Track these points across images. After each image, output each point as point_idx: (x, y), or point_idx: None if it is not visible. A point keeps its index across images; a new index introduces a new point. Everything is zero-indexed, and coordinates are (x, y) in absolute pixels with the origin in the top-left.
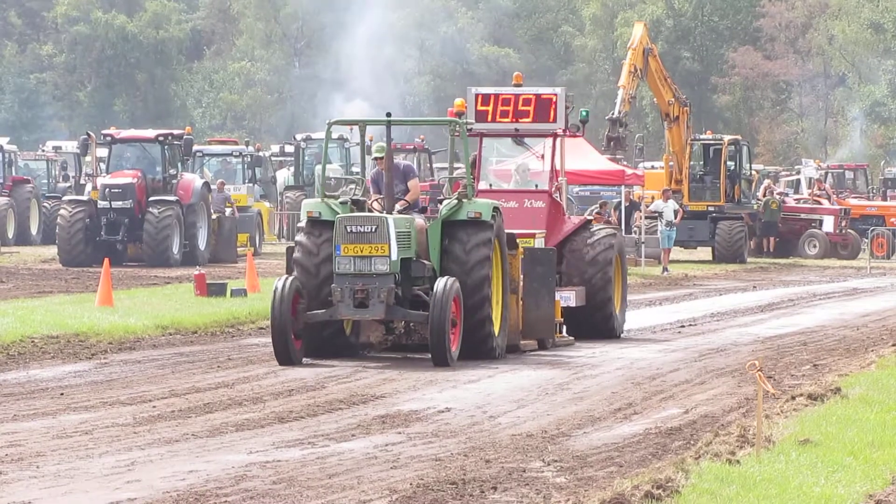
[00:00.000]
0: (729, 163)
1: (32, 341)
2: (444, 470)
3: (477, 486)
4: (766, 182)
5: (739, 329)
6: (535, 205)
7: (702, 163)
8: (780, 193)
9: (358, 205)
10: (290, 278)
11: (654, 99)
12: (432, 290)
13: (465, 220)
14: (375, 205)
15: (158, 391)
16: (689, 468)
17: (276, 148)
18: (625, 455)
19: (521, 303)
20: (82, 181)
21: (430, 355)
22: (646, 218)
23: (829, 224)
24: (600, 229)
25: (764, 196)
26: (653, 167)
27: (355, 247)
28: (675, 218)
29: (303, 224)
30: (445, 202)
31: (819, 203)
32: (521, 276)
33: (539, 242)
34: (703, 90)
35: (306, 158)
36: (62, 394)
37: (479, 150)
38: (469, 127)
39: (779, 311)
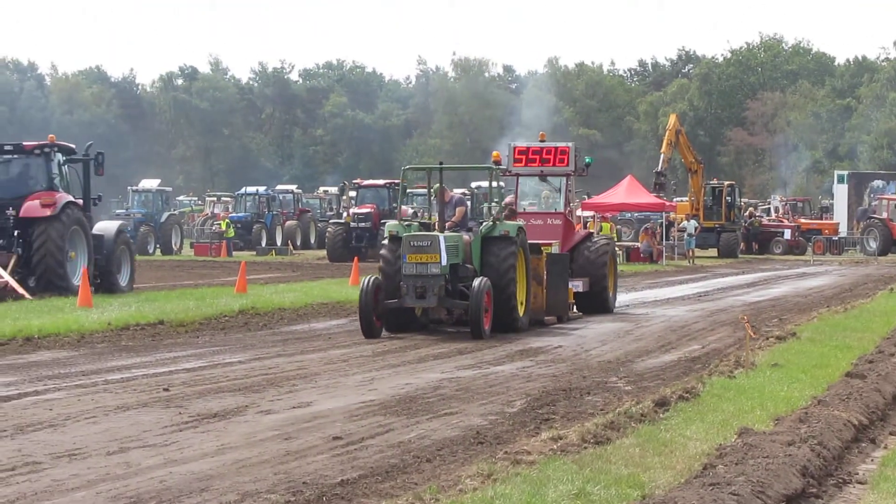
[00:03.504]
0: (727, 198)
1: (312, 306)
2: (558, 382)
3: (578, 392)
4: (750, 209)
5: (734, 297)
6: (554, 222)
7: (711, 198)
8: (758, 216)
9: (425, 226)
10: (373, 277)
11: (682, 159)
12: (472, 286)
13: (497, 236)
14: (438, 226)
15: (387, 336)
16: (705, 381)
17: (458, 191)
18: (666, 373)
19: (545, 291)
20: (341, 210)
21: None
22: (678, 231)
23: (788, 234)
24: (599, 239)
25: (749, 217)
26: (681, 200)
27: (417, 255)
28: (695, 231)
29: (385, 240)
30: (484, 223)
31: (782, 221)
32: (545, 272)
33: (556, 248)
34: (711, 154)
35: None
36: (329, 338)
37: (517, 186)
38: (504, 171)
39: (758, 286)
